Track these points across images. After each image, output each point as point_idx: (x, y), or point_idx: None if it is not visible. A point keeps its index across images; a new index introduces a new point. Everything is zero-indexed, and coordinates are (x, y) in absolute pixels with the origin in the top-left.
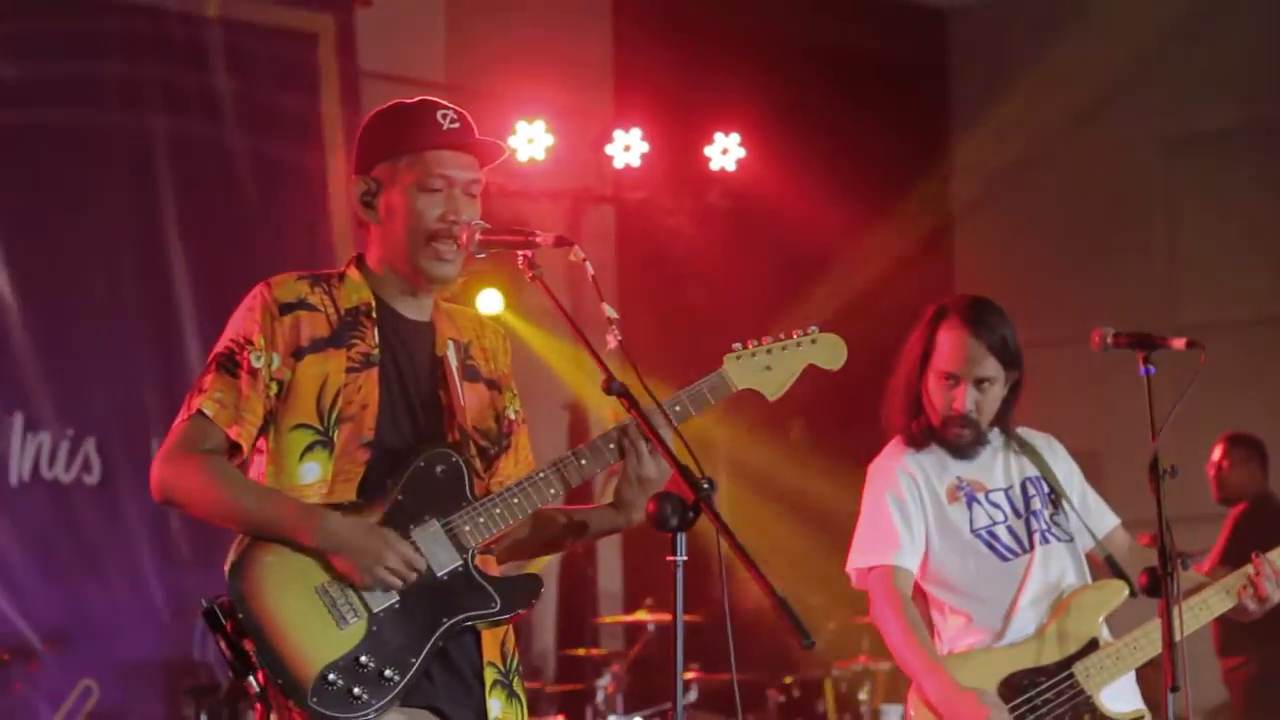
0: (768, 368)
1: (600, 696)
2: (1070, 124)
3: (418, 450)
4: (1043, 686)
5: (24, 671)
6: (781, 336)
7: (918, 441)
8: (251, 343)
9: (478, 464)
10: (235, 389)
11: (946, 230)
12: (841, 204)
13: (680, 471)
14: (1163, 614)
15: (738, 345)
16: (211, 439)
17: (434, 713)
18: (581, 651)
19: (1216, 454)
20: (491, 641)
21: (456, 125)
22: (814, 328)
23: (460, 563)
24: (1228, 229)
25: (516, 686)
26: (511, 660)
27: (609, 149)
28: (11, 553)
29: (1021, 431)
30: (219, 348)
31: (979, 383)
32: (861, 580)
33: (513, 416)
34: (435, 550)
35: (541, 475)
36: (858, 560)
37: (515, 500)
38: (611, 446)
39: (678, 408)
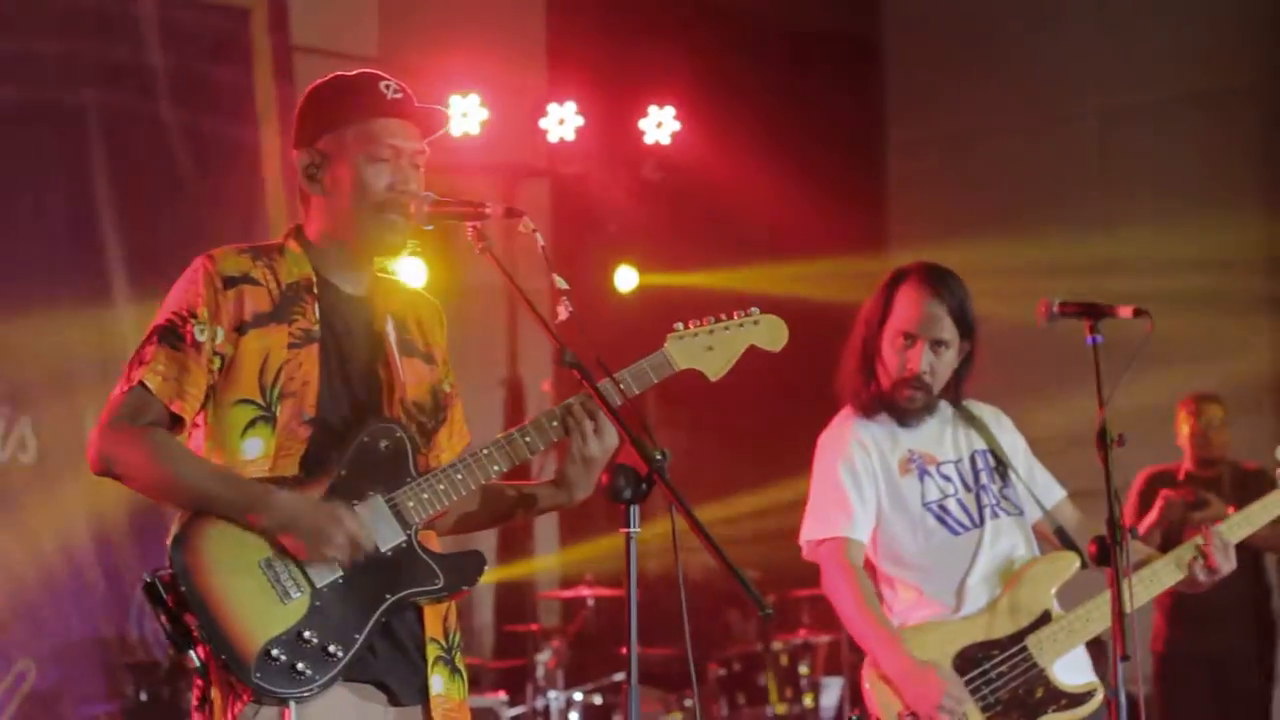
0: (709, 348)
1: (540, 672)
2: (1008, 96)
3: (362, 425)
4: (996, 659)
5: None
6: (723, 317)
7: (868, 409)
8: (195, 315)
9: (417, 438)
10: (178, 362)
11: (882, 204)
12: (777, 177)
13: (634, 443)
14: (1112, 583)
15: (679, 325)
16: (152, 412)
17: (378, 687)
18: (521, 627)
19: (1197, 415)
20: (434, 617)
21: (400, 95)
22: (755, 309)
23: (404, 538)
24: (1164, 201)
25: (458, 662)
26: (453, 636)
27: (543, 123)
28: None
29: (969, 404)
30: (160, 319)
31: (935, 345)
32: (812, 552)
33: (448, 390)
34: (379, 526)
35: (485, 452)
36: (810, 532)
37: (459, 476)
38: (555, 424)
39: (621, 385)
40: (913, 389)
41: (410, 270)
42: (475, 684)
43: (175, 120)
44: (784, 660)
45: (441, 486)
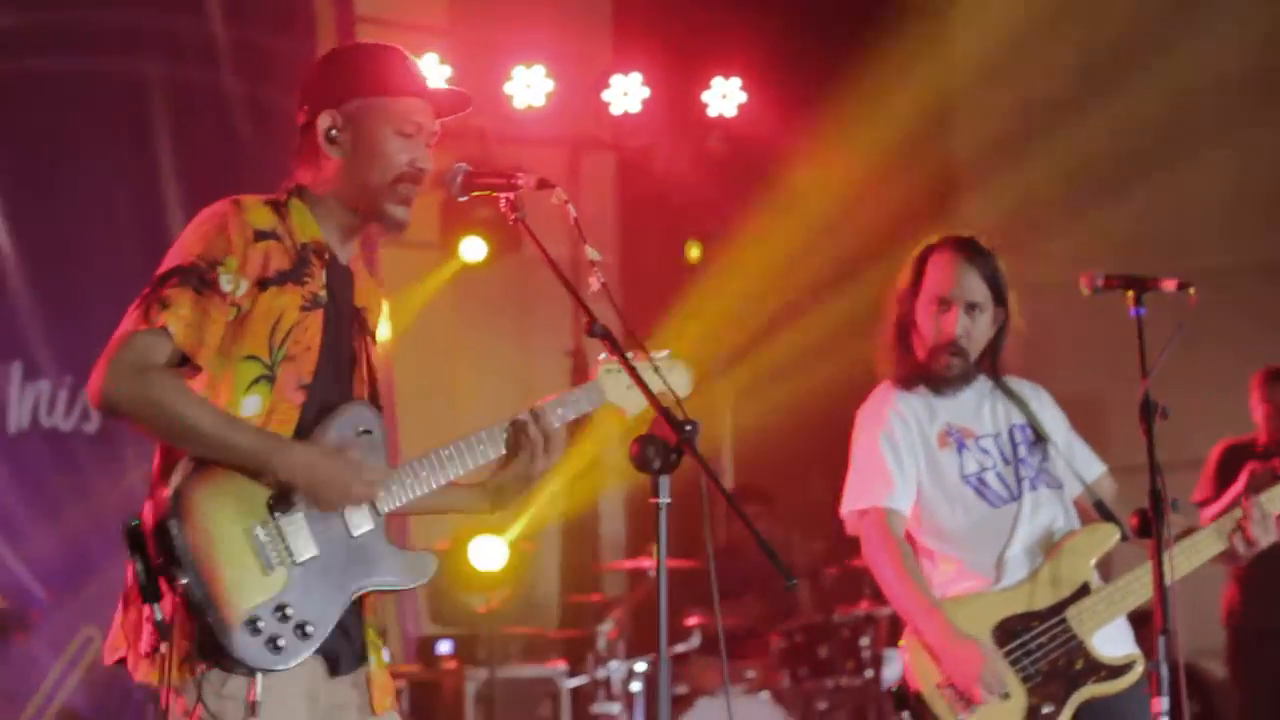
0: (628, 387)
1: (602, 642)
2: (1078, 68)
3: (345, 404)
4: (1036, 631)
5: (25, 620)
6: (639, 356)
7: (906, 382)
8: (223, 264)
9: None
10: (202, 309)
11: (949, 175)
12: (841, 148)
13: (663, 414)
14: (1153, 556)
15: (604, 356)
16: (164, 353)
17: (325, 655)
18: (583, 597)
19: (1271, 389)
20: (371, 598)
21: (424, 77)
22: (668, 352)
23: (373, 526)
24: (1234, 174)
25: (376, 639)
26: (382, 615)
27: (607, 95)
28: (11, 501)
29: (1008, 380)
30: (183, 260)
31: (969, 308)
32: (854, 524)
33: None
34: (352, 510)
35: (447, 453)
36: (851, 503)
37: (424, 473)
38: (505, 436)
39: (560, 410)
40: (949, 355)
41: (473, 248)
42: (538, 654)
43: (238, 91)
44: (845, 632)
45: (409, 480)
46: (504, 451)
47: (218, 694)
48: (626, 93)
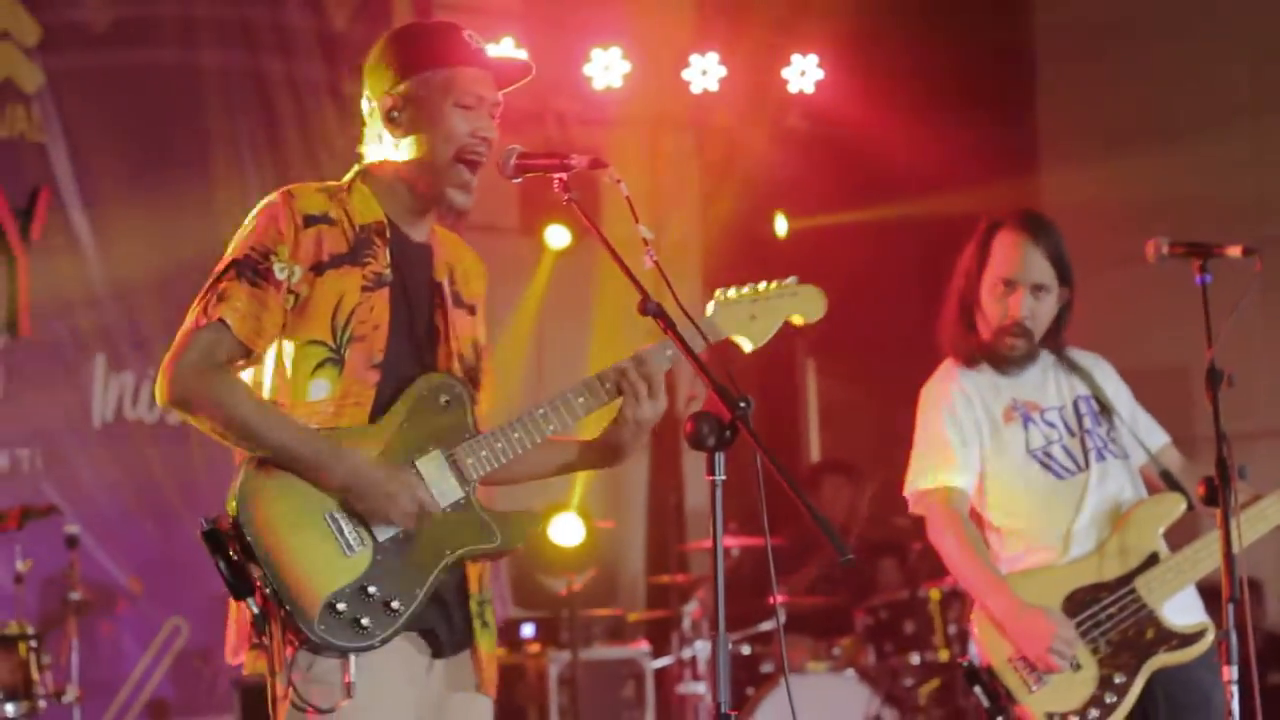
0: (752, 317)
1: (687, 623)
2: (1159, 36)
3: (423, 377)
4: (1105, 602)
5: (112, 611)
6: (765, 285)
7: (970, 360)
8: (275, 253)
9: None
10: (258, 299)
11: (1032, 150)
12: (922, 125)
13: (717, 390)
14: (1222, 524)
15: (719, 291)
16: (227, 348)
17: (426, 636)
18: (667, 578)
19: None
20: (474, 572)
21: (480, 47)
22: (793, 279)
23: (462, 495)
24: None
25: (488, 615)
26: (486, 590)
27: (686, 74)
28: (97, 494)
29: (1070, 352)
30: (238, 253)
31: (1035, 290)
32: (918, 502)
33: (484, 342)
34: (438, 481)
35: (541, 412)
36: (915, 482)
37: (516, 435)
38: (608, 386)
39: (669, 351)
40: (1014, 336)
41: (557, 236)
42: (622, 635)
43: (316, 79)
44: (932, 608)
45: (500, 445)
46: (606, 401)
47: (307, 678)
48: (705, 72)
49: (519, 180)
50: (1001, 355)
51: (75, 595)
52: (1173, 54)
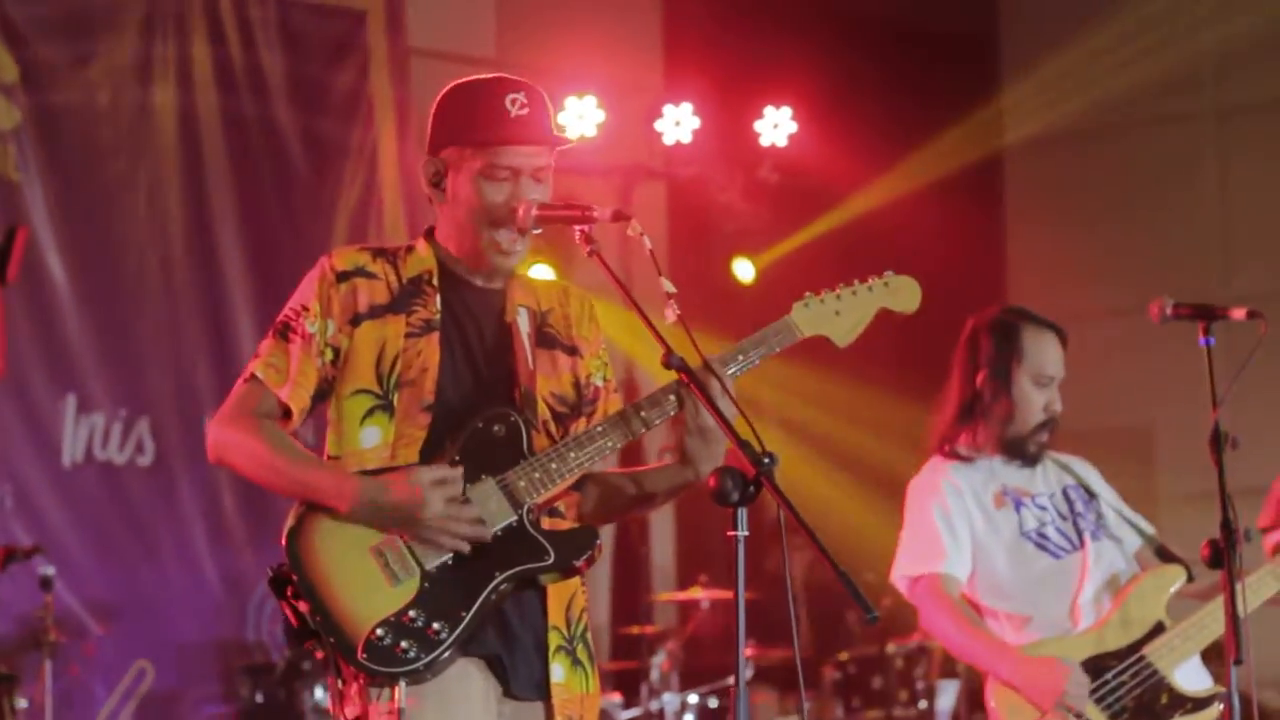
0: (837, 313)
1: (655, 674)
2: (1122, 93)
3: (480, 414)
4: (1117, 669)
5: (79, 653)
6: (855, 282)
7: (973, 454)
8: (307, 309)
9: (552, 428)
10: (288, 353)
11: (998, 203)
12: (893, 178)
13: (740, 446)
14: (1225, 586)
15: (808, 294)
16: (265, 403)
17: (495, 663)
18: (636, 629)
19: None
20: (557, 605)
21: (525, 112)
22: (889, 271)
23: (515, 518)
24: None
25: (580, 654)
26: (578, 626)
27: (659, 125)
28: (66, 534)
29: (1054, 455)
30: (279, 316)
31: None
32: (909, 591)
33: (599, 383)
34: (489, 506)
35: (599, 429)
36: (905, 569)
37: (571, 454)
38: (671, 397)
39: (740, 356)
40: (1048, 430)
41: (540, 274)
42: None
43: (291, 123)
44: (899, 663)
45: (554, 465)
46: (670, 413)
47: (358, 706)
48: (678, 122)
49: (539, 231)
50: (1028, 449)
51: (50, 637)
52: (1141, 111)
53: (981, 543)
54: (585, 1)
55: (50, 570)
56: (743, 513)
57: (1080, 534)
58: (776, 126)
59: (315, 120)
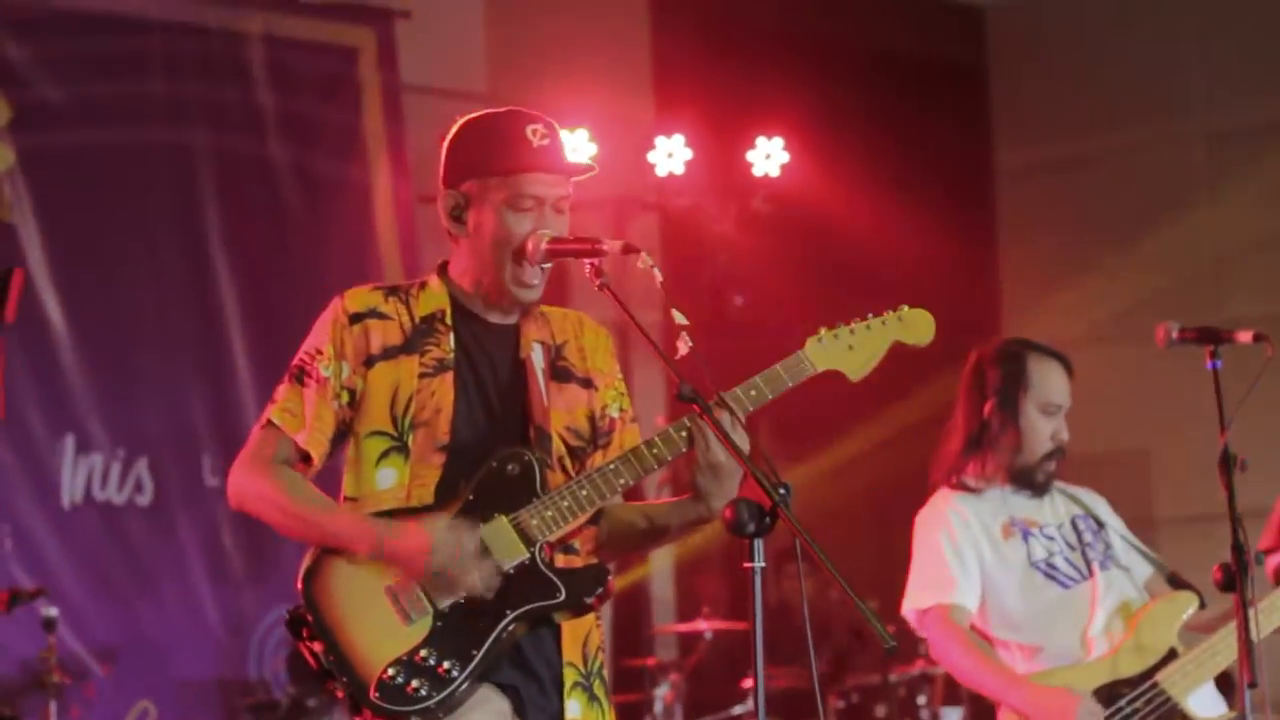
0: (850, 348)
1: (659, 707)
2: (1113, 119)
3: (493, 451)
4: (1130, 696)
5: (80, 694)
6: (869, 317)
7: (982, 485)
8: (321, 353)
9: (567, 462)
10: (303, 398)
11: (991, 231)
12: (886, 207)
13: (755, 477)
14: (1238, 609)
15: (822, 329)
16: (283, 449)
17: (509, 691)
18: (638, 661)
19: None
20: (572, 642)
21: (546, 142)
22: (904, 306)
23: (527, 556)
24: (1274, 222)
25: (598, 690)
26: (593, 662)
27: (651, 156)
28: (65, 575)
29: (1061, 485)
30: (293, 360)
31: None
32: (920, 623)
33: (615, 415)
34: (502, 545)
35: (611, 466)
36: (914, 602)
37: (584, 492)
38: (684, 434)
39: (753, 392)
40: (1056, 459)
41: None
42: None
43: (285, 160)
44: (902, 691)
45: (566, 503)
46: (682, 449)
47: None
48: (671, 154)
49: (549, 265)
50: (1036, 478)
51: (54, 679)
52: (1131, 136)
53: (990, 574)
54: (576, 35)
55: (54, 612)
56: (759, 544)
57: (1089, 563)
58: (769, 157)
59: (308, 157)
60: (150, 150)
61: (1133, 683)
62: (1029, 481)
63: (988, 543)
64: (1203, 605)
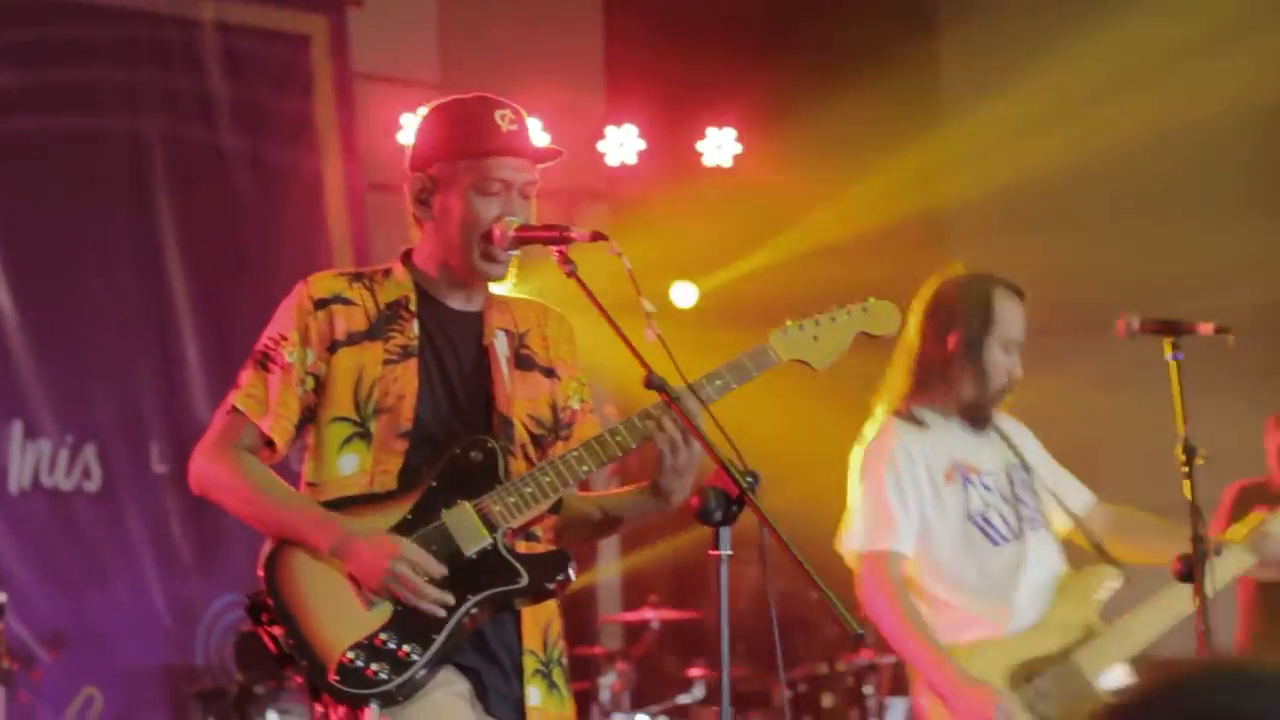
0: (815, 338)
1: (606, 695)
2: (1066, 110)
3: (457, 441)
4: (1046, 676)
5: (27, 679)
6: (833, 308)
7: (927, 416)
8: (285, 339)
9: (530, 450)
10: (267, 384)
11: (942, 221)
12: (837, 196)
13: (723, 465)
14: (1198, 600)
15: (788, 320)
16: (247, 435)
17: (470, 674)
18: (585, 650)
19: None
20: (533, 629)
21: (515, 127)
22: (870, 298)
23: (490, 542)
24: (1224, 218)
25: (557, 677)
26: (553, 650)
27: (602, 146)
28: (12, 561)
29: (997, 421)
30: (257, 345)
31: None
32: (852, 561)
33: (576, 406)
34: (464, 531)
35: (574, 453)
36: (853, 541)
37: (546, 479)
38: (649, 423)
39: (718, 381)
40: (1008, 393)
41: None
42: None
43: (237, 148)
44: (849, 681)
45: (529, 490)
46: (645, 437)
47: None
48: (622, 144)
49: (517, 252)
50: (986, 413)
51: (2, 664)
52: (1081, 129)
53: (929, 520)
54: (527, 25)
55: (2, 598)
56: (725, 532)
57: (1021, 522)
58: (720, 147)
59: (260, 145)
60: (102, 136)
61: (1052, 660)
62: (979, 415)
63: (930, 486)
64: (1123, 580)
